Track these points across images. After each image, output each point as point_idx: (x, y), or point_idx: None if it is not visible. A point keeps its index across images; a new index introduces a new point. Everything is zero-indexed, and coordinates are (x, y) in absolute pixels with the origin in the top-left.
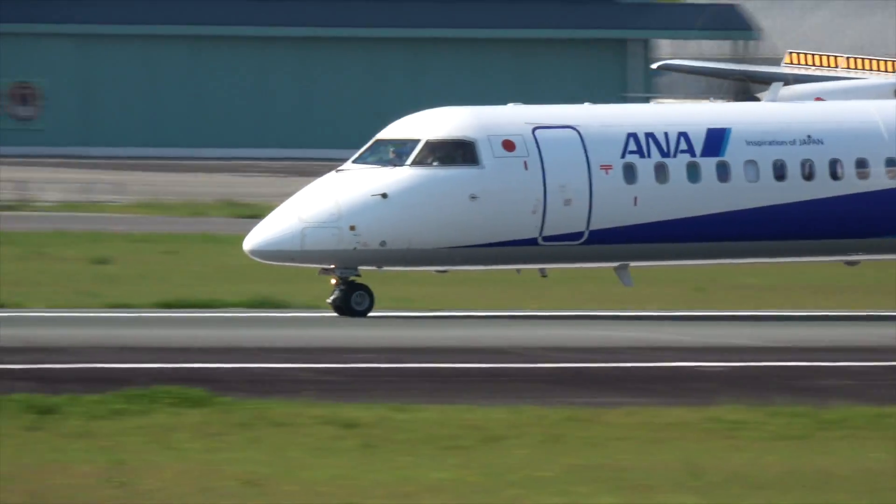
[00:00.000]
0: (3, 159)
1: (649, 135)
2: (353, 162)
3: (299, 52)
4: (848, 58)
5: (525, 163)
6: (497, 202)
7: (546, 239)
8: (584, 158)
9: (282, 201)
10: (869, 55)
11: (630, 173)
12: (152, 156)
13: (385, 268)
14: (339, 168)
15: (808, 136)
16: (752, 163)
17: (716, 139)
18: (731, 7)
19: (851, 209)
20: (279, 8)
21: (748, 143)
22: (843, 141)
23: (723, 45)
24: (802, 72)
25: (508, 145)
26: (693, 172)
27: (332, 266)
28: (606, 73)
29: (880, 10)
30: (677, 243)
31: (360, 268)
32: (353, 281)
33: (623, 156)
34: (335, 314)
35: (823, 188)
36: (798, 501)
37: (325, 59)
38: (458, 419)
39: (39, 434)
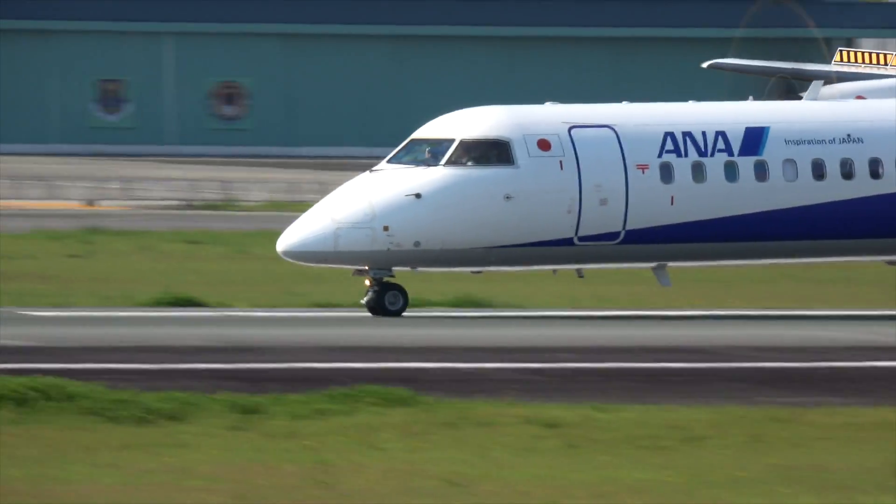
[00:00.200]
0: (209, 159)
1: (687, 134)
2: (388, 162)
3: (507, 52)
4: None
5: (561, 162)
6: (532, 202)
7: (582, 239)
8: (621, 158)
9: None
10: None
11: (667, 173)
12: (356, 155)
13: (419, 269)
14: (374, 168)
15: (848, 135)
16: (790, 162)
17: (754, 138)
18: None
19: (892, 208)
20: (494, 8)
21: (787, 141)
22: (883, 139)
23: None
24: (853, 70)
25: (544, 145)
26: (731, 172)
27: (366, 267)
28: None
29: None
30: (714, 243)
31: (394, 269)
32: (387, 281)
33: (660, 155)
34: (369, 314)
35: (863, 187)
36: None
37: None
38: (660, 419)
39: (244, 434)
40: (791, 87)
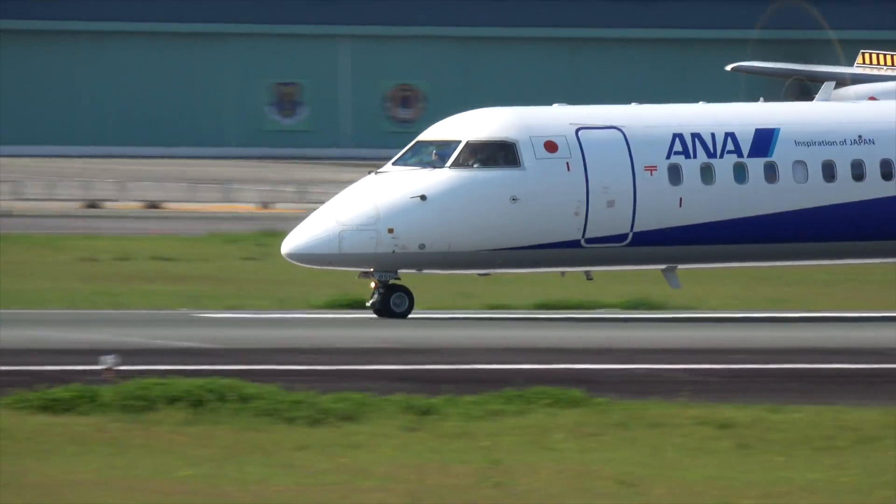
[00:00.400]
0: (384, 162)
1: (695, 135)
2: (394, 164)
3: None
4: None
5: (567, 164)
6: (539, 204)
7: (589, 241)
8: (629, 159)
9: None
10: None
11: (675, 174)
12: None
13: (425, 271)
14: (379, 170)
15: (859, 136)
16: (800, 163)
17: (764, 139)
18: None
19: None
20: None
21: (797, 143)
22: (894, 141)
23: None
24: (874, 72)
25: (551, 146)
26: (740, 173)
27: (371, 269)
28: None
29: None
30: (724, 245)
31: (400, 271)
32: (392, 284)
33: (668, 156)
34: (376, 316)
35: (874, 189)
36: None
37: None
38: (833, 420)
39: (418, 434)
40: (806, 89)
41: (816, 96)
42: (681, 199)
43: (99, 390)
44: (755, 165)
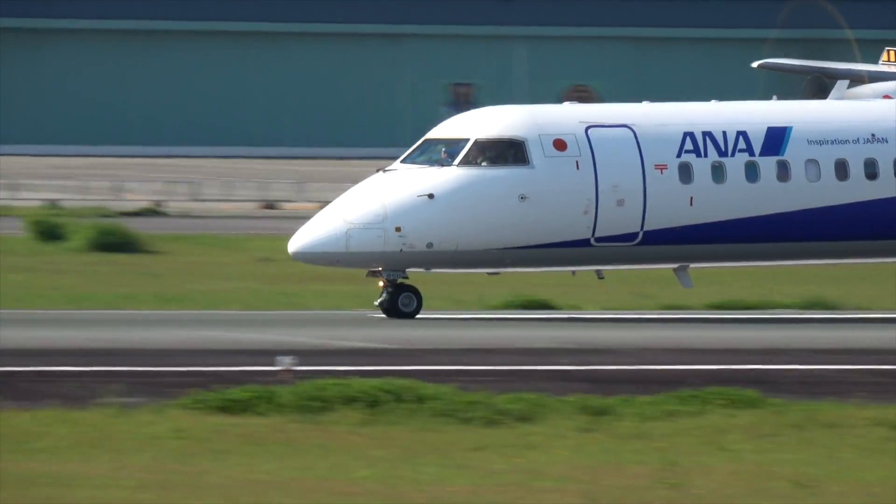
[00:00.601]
0: None
1: (707, 133)
2: (402, 162)
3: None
4: None
5: (577, 162)
6: (547, 202)
7: (599, 240)
8: (639, 158)
9: None
10: None
11: (686, 173)
12: None
13: (433, 270)
14: (386, 168)
15: (873, 135)
16: (813, 162)
17: (776, 138)
18: None
19: None
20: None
21: (809, 141)
22: None
23: None
24: None
25: (560, 145)
26: (751, 172)
27: (380, 268)
28: None
29: None
30: (735, 244)
31: (408, 270)
32: (400, 283)
33: (679, 155)
34: (383, 315)
35: (887, 188)
36: None
37: None
38: None
39: (593, 435)
40: (824, 87)
41: (830, 94)
42: (691, 197)
43: (276, 391)
44: (767, 164)
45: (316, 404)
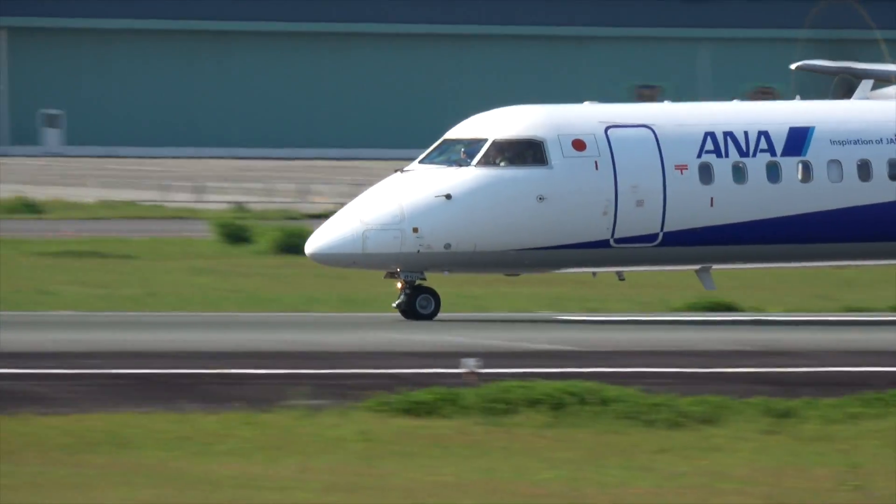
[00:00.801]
0: None
1: (728, 134)
2: (420, 162)
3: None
4: None
5: (596, 162)
6: (566, 203)
7: (618, 241)
8: (658, 158)
9: None
10: None
11: (706, 173)
12: None
13: (451, 272)
14: (404, 168)
15: None
16: (835, 162)
17: (798, 138)
18: None
19: None
20: None
21: (832, 142)
22: None
23: None
24: None
25: (579, 145)
26: (773, 172)
27: (398, 270)
28: None
29: None
30: (756, 245)
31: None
32: (419, 285)
33: (699, 155)
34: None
35: None
36: None
37: None
38: None
39: (776, 438)
40: (853, 88)
41: (854, 94)
42: (712, 198)
43: (461, 393)
44: (789, 164)
45: (500, 406)
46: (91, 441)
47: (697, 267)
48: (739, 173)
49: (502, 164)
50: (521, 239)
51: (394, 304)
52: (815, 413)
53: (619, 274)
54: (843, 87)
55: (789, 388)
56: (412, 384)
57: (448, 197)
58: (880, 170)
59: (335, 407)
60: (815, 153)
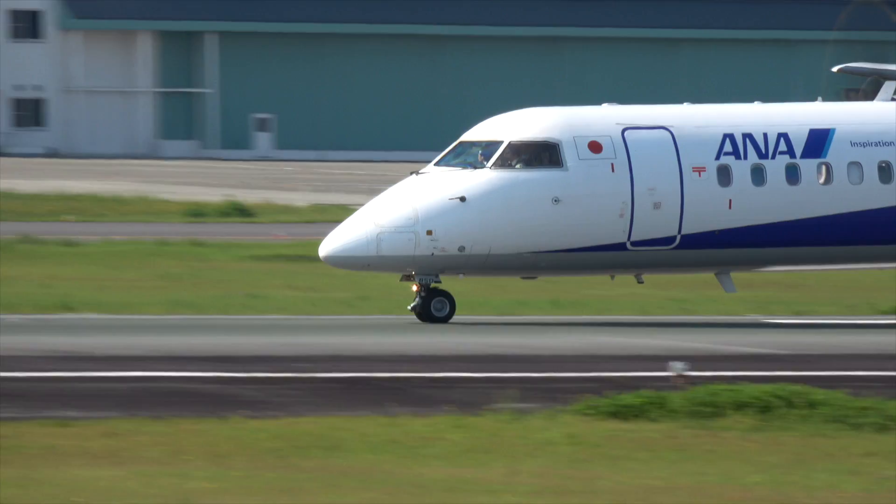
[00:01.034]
0: None
1: (747, 135)
2: (435, 164)
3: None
4: None
5: (612, 165)
6: (582, 205)
7: (635, 244)
8: (676, 160)
9: None
10: None
11: (724, 175)
12: None
13: (466, 275)
14: (419, 171)
15: None
16: (856, 164)
17: (818, 140)
18: None
19: None
20: None
21: (853, 144)
22: None
23: None
24: None
25: (595, 147)
26: (792, 174)
27: (413, 272)
28: None
29: None
30: (775, 248)
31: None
32: (434, 287)
33: (717, 157)
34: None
35: None
36: None
37: None
38: None
39: None
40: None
41: (877, 96)
42: (730, 200)
43: (668, 396)
44: (808, 166)
45: (708, 410)
46: (301, 445)
47: (717, 270)
48: (758, 175)
49: (518, 166)
50: (536, 241)
51: (409, 307)
52: None
53: (638, 276)
54: (874, 88)
55: None
56: (620, 387)
57: (462, 199)
58: None
59: (543, 410)
60: (836, 155)
